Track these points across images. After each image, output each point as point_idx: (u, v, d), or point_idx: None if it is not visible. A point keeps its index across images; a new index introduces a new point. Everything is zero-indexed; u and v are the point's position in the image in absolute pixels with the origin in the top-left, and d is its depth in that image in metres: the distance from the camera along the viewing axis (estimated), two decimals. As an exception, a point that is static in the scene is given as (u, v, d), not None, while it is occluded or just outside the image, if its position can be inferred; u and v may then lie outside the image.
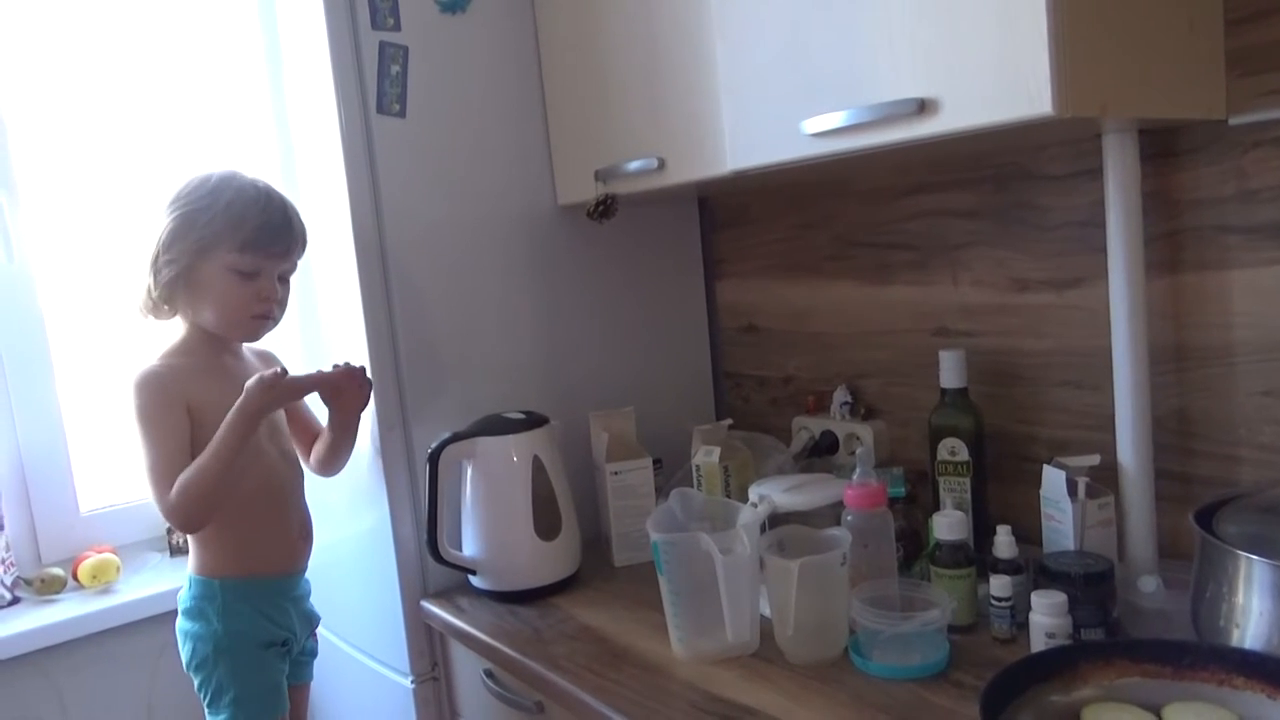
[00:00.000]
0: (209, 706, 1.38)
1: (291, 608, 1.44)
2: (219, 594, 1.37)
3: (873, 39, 1.09)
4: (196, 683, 1.39)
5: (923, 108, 1.04)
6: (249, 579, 1.39)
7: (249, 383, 1.29)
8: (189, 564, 1.40)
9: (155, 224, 1.33)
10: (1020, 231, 1.40)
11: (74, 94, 1.99)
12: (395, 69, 1.50)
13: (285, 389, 1.33)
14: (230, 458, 1.28)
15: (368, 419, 1.52)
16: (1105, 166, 1.19)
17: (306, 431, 1.53)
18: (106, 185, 2.03)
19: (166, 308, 1.35)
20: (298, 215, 1.39)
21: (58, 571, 1.87)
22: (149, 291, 1.34)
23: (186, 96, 2.00)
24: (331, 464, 1.49)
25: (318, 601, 1.53)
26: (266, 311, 1.37)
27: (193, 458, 1.28)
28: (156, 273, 1.32)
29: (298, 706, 1.49)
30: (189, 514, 1.29)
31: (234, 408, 1.28)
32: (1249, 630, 0.92)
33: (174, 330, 1.39)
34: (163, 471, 1.28)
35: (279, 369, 1.31)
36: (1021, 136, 1.23)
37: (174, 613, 1.43)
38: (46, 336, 1.91)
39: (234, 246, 1.31)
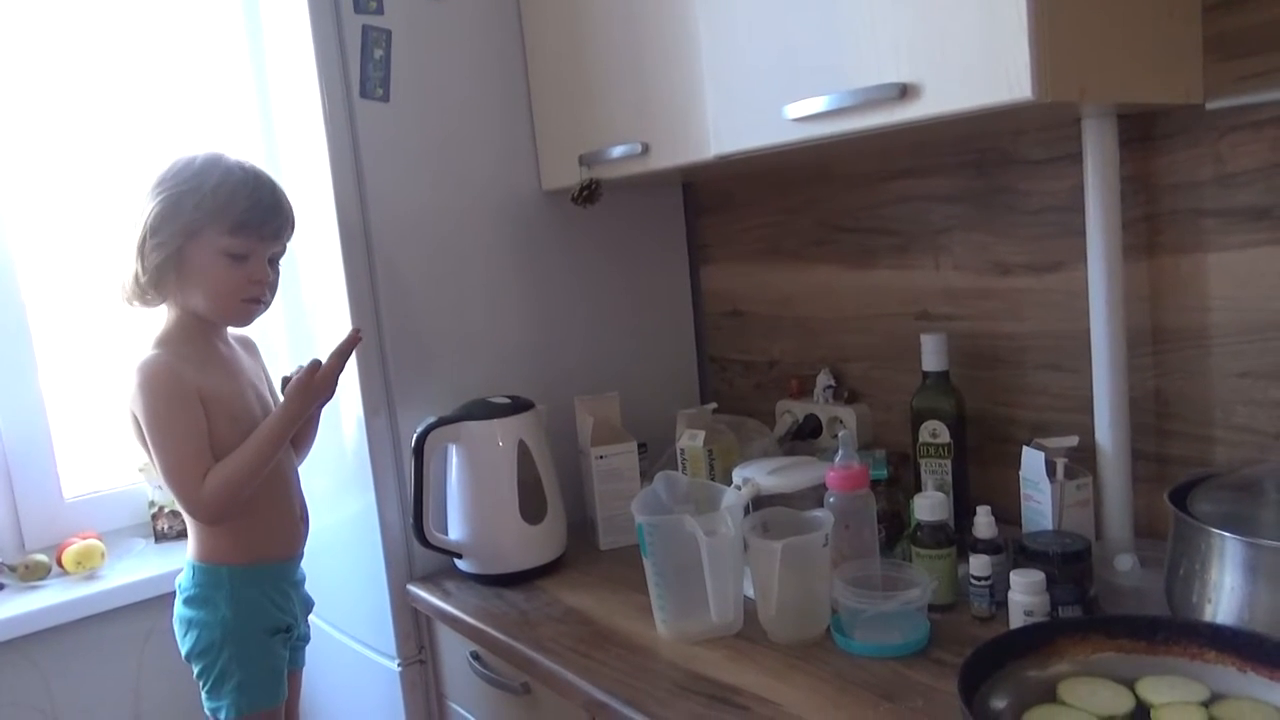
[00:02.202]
0: (209, 694, 1.37)
1: (292, 592, 1.45)
2: (226, 581, 1.36)
3: (855, 24, 1.10)
4: (197, 670, 1.37)
5: (904, 93, 1.05)
6: (256, 565, 1.38)
7: (290, 390, 1.32)
8: (190, 551, 1.38)
9: (139, 208, 1.29)
10: (1001, 216, 1.41)
11: (54, 79, 1.97)
12: (379, 53, 1.49)
13: (324, 384, 1.34)
14: (272, 456, 1.32)
15: (355, 403, 1.53)
16: (1084, 151, 1.21)
17: None
18: (88, 170, 2.01)
19: (155, 294, 1.32)
20: (286, 196, 1.36)
21: (42, 558, 1.86)
22: (136, 277, 1.30)
23: (169, 81, 1.99)
24: (301, 450, 1.50)
25: (307, 586, 1.53)
26: (258, 295, 1.35)
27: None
28: (144, 257, 1.28)
29: (291, 692, 1.49)
30: (223, 509, 1.29)
31: (278, 413, 1.33)
32: (1221, 606, 0.94)
33: (159, 317, 1.36)
34: (190, 466, 1.27)
35: (311, 366, 1.33)
36: (1002, 121, 1.24)
37: (161, 598, 1.43)
38: (28, 322, 1.90)
39: (224, 229, 1.29)
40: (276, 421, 1.33)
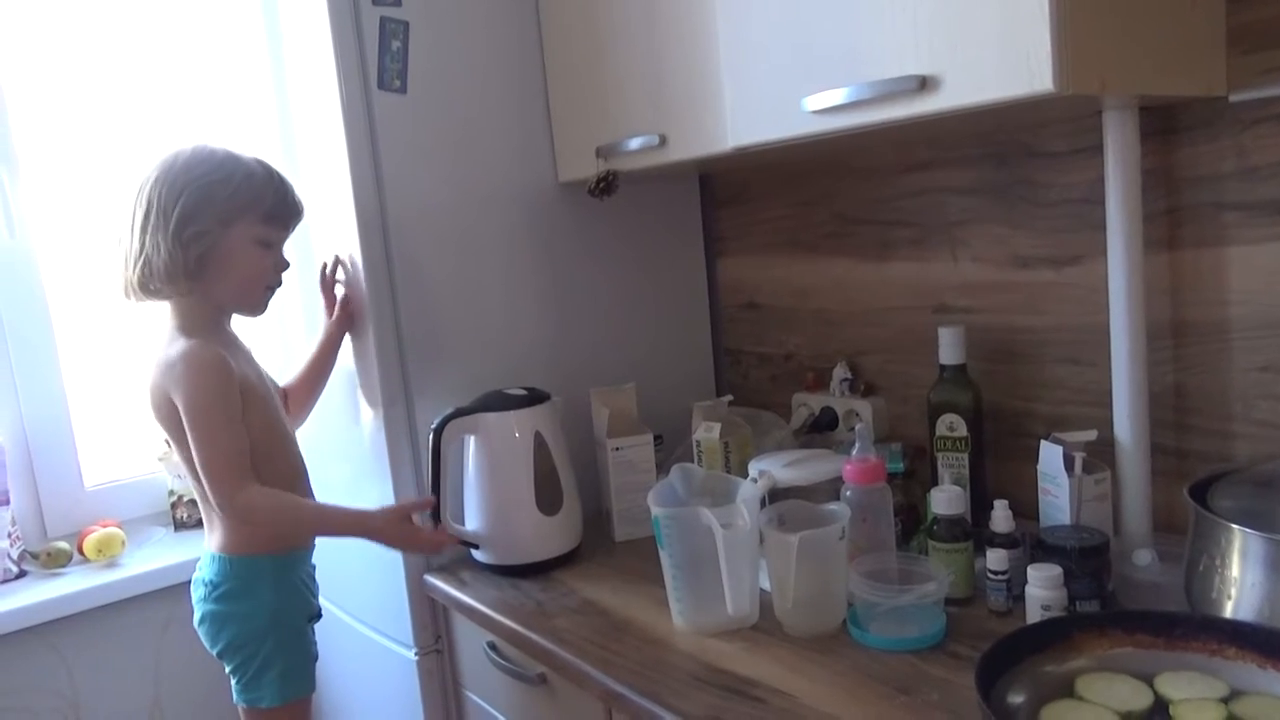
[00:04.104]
0: (247, 685, 1.37)
1: (310, 579, 1.47)
2: (270, 570, 1.37)
3: (874, 16, 1.09)
4: (235, 664, 1.37)
5: (923, 85, 1.04)
6: (293, 553, 1.41)
7: (385, 520, 1.36)
8: (221, 545, 1.37)
9: (159, 196, 1.28)
10: (1020, 208, 1.41)
11: (74, 69, 1.99)
12: (396, 44, 1.49)
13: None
14: (313, 533, 1.42)
15: (373, 394, 1.54)
16: (1105, 143, 1.20)
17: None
18: (107, 160, 2.03)
19: (188, 282, 1.30)
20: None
21: (63, 545, 1.88)
22: (174, 265, 1.27)
23: (188, 72, 2.00)
24: (300, 415, 1.55)
25: (323, 576, 1.55)
26: (278, 282, 1.38)
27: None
28: (185, 246, 1.27)
29: None
30: (248, 520, 1.31)
31: (359, 521, 1.36)
32: (1241, 602, 0.93)
33: (163, 307, 1.35)
34: (233, 458, 1.27)
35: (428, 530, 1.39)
36: (1022, 113, 1.22)
37: (181, 586, 1.44)
38: (49, 311, 1.92)
39: (258, 218, 1.32)
40: (340, 518, 1.37)
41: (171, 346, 1.30)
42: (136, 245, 1.30)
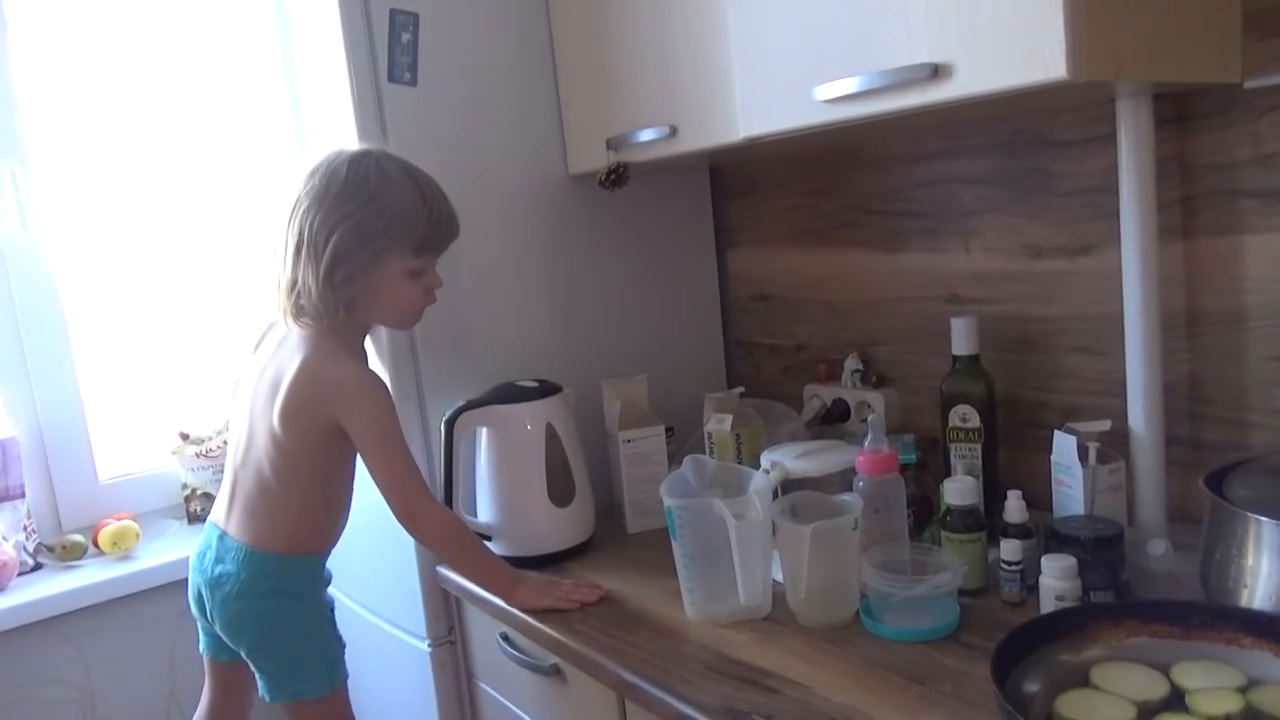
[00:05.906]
0: (288, 681, 1.37)
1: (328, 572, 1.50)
2: (318, 568, 1.42)
3: (885, 3, 1.09)
4: (274, 661, 1.37)
5: (936, 73, 1.04)
6: (325, 552, 1.44)
7: (531, 592, 1.34)
8: (261, 543, 1.35)
9: (309, 229, 1.24)
10: (1033, 198, 1.40)
11: (86, 65, 1.99)
12: (406, 37, 1.49)
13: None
14: (464, 574, 1.45)
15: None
16: (1119, 131, 1.19)
17: None
18: (120, 156, 2.03)
19: (338, 316, 1.28)
20: (447, 198, 1.35)
21: (78, 538, 1.89)
22: (324, 304, 1.26)
23: (199, 66, 2.00)
24: None
25: (336, 568, 1.55)
26: (432, 300, 1.37)
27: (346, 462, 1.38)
28: (336, 289, 1.25)
29: None
30: (426, 533, 1.35)
31: (508, 584, 1.36)
32: (1258, 591, 0.93)
33: (334, 328, 1.32)
34: (419, 475, 1.33)
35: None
36: (1035, 101, 1.22)
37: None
38: (62, 306, 1.93)
39: (409, 250, 1.29)
40: (494, 569, 1.38)
41: (333, 368, 1.29)
42: (289, 275, 1.27)
